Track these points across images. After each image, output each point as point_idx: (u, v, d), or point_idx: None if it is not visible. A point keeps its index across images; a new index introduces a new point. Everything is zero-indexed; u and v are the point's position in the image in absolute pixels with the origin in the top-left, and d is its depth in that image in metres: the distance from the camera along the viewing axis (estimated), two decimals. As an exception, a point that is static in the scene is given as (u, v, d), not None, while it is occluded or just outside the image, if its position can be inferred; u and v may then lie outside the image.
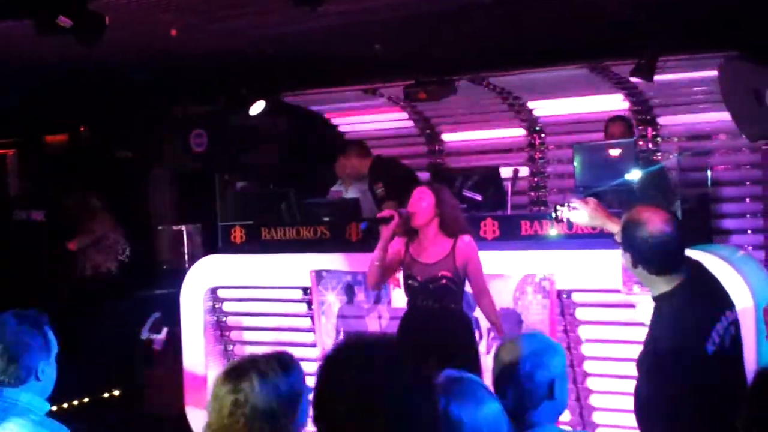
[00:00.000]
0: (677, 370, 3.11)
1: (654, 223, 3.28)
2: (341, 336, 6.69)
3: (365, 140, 8.14)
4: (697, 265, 3.39)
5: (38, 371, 3.17)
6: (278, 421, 2.58)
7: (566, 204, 3.93)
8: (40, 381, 3.18)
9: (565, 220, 3.95)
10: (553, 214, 3.96)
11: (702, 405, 3.08)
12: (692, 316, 3.20)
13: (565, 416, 5.99)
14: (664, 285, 3.28)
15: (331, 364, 1.96)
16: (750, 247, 7.31)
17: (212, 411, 2.61)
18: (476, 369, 5.33)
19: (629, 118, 7.59)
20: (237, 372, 2.63)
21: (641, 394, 3.30)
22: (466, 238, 5.44)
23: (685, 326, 3.18)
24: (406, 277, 5.50)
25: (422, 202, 5.39)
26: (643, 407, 3.28)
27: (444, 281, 5.37)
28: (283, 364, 2.67)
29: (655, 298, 3.33)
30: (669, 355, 3.13)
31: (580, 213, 3.88)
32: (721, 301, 3.32)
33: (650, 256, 3.27)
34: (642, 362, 3.31)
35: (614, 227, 3.57)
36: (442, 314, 5.36)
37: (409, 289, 5.49)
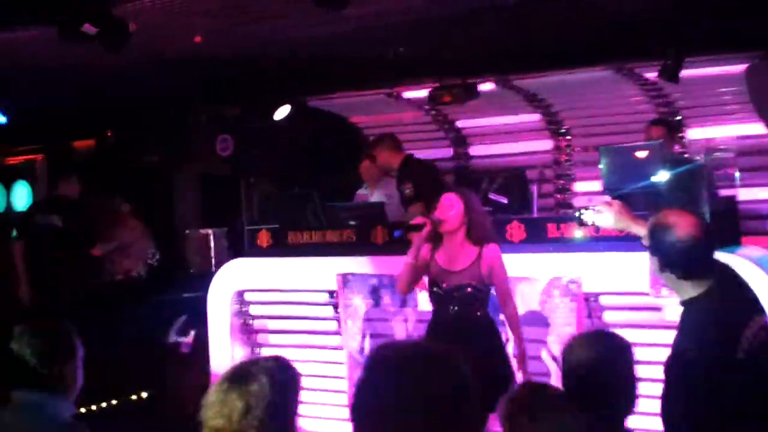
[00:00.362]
0: (707, 377, 3.05)
1: (682, 227, 3.24)
2: (367, 339, 6.69)
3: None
4: (726, 269, 3.34)
5: (64, 375, 3.20)
6: (286, 420, 2.59)
7: (591, 207, 3.90)
8: (66, 384, 3.21)
9: (589, 223, 3.92)
10: (578, 217, 3.93)
11: (731, 411, 3.04)
12: (722, 321, 3.15)
13: (593, 419, 5.96)
14: (692, 289, 3.24)
15: (371, 368, 1.97)
16: (779, 249, 7.24)
17: (220, 416, 2.58)
18: (506, 373, 5.34)
19: (672, 121, 7.54)
20: (242, 375, 2.62)
21: (669, 400, 3.25)
22: (492, 247, 5.40)
23: (714, 331, 3.13)
24: (431, 284, 5.48)
25: (451, 209, 5.38)
26: (671, 414, 3.23)
27: (469, 289, 5.35)
28: (281, 363, 2.68)
29: (683, 303, 3.29)
30: (698, 361, 3.07)
31: (605, 216, 3.84)
32: (751, 305, 3.27)
33: (678, 261, 3.23)
34: (670, 368, 3.27)
35: (640, 230, 3.53)
36: (466, 321, 5.34)
37: (433, 296, 5.47)
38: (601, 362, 3.16)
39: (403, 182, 7.38)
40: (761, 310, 3.26)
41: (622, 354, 3.26)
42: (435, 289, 5.44)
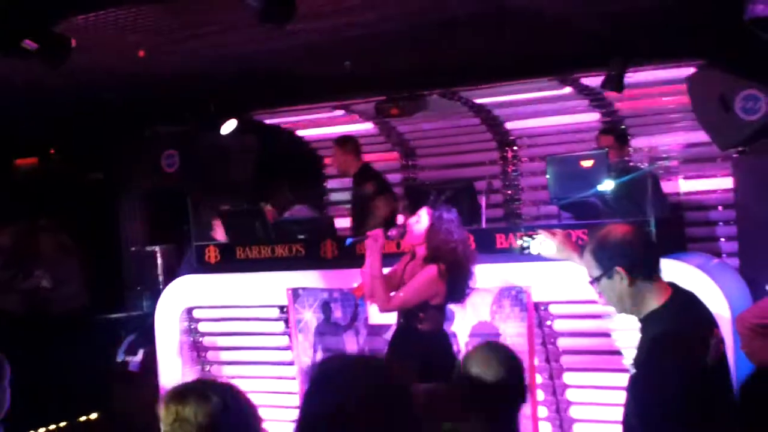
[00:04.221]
0: (683, 386, 2.98)
1: (624, 227, 3.29)
2: (319, 353, 6.66)
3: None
4: (675, 285, 3.29)
5: None
6: None
7: (535, 236, 3.90)
8: None
9: (533, 252, 3.92)
10: (521, 246, 3.94)
11: (704, 420, 3.01)
12: (688, 330, 3.13)
13: (546, 428, 5.99)
14: (654, 300, 3.18)
15: (313, 383, 1.98)
16: (724, 255, 7.36)
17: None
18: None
19: (620, 130, 7.62)
20: (198, 394, 2.60)
21: (636, 417, 3.14)
22: (430, 266, 5.32)
23: (685, 340, 3.08)
24: None
25: (417, 224, 5.40)
26: (641, 428, 3.16)
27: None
28: (236, 390, 2.66)
29: (644, 319, 3.21)
30: (673, 372, 2.99)
31: (548, 245, 3.86)
32: (708, 317, 3.24)
33: (643, 255, 3.21)
34: (635, 384, 3.17)
35: (580, 260, 3.49)
36: (415, 334, 5.36)
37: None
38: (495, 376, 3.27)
39: (363, 183, 7.67)
40: (716, 323, 3.24)
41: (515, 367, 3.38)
42: None
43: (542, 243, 3.88)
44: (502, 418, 3.31)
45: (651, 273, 3.21)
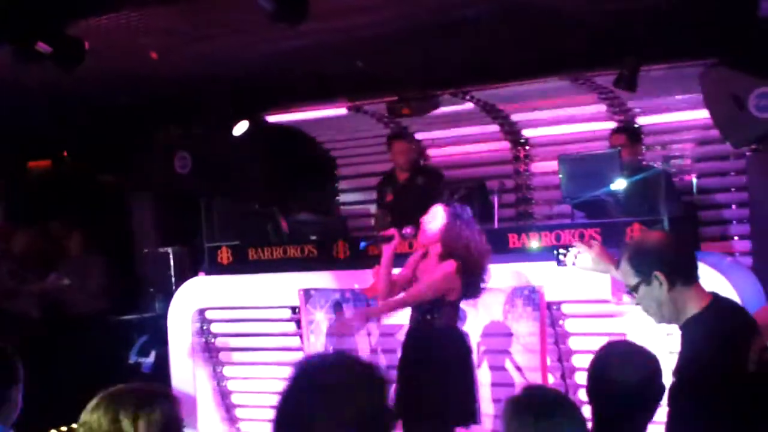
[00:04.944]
0: (728, 392, 2.91)
1: (659, 233, 3.30)
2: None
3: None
4: (715, 294, 3.22)
5: (6, 400, 3.22)
6: None
7: (571, 247, 3.85)
8: (9, 410, 3.24)
9: (569, 264, 3.87)
10: (557, 257, 3.89)
11: (747, 428, 2.93)
12: (728, 334, 3.05)
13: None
14: (694, 305, 3.11)
15: (293, 379, 2.00)
16: (737, 254, 7.32)
17: None
18: (471, 382, 5.37)
19: (633, 128, 7.59)
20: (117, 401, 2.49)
21: (680, 424, 3.05)
22: (448, 262, 5.36)
23: (728, 344, 3.00)
24: None
25: (432, 222, 5.40)
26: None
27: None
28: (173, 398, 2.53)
29: (685, 325, 3.14)
30: (717, 378, 2.92)
31: (584, 257, 3.78)
32: (751, 323, 3.15)
33: (681, 259, 3.15)
34: (680, 391, 3.05)
35: (619, 273, 3.37)
36: (430, 330, 5.37)
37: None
38: (628, 374, 2.97)
39: (429, 176, 7.62)
40: (758, 329, 3.12)
41: (653, 368, 3.05)
42: None
43: (578, 255, 3.81)
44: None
45: (689, 277, 3.15)
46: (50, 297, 8.54)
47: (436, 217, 5.38)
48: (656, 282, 3.11)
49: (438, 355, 5.25)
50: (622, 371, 2.95)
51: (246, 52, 7.10)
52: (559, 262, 3.89)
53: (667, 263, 3.12)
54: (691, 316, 3.12)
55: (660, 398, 3.01)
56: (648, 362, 3.00)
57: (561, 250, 3.89)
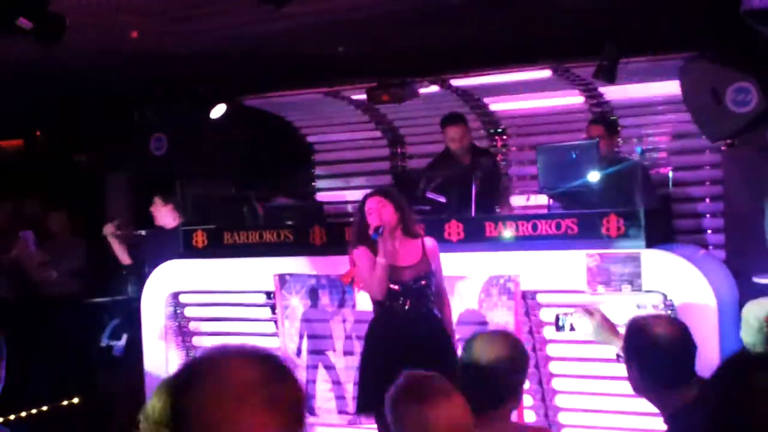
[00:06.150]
0: None
1: (661, 328, 3.06)
2: (305, 340, 6.64)
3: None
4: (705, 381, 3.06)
5: None
6: None
7: (572, 314, 3.74)
8: None
9: (567, 329, 3.81)
10: (557, 323, 3.84)
11: None
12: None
13: (531, 417, 5.99)
14: (680, 400, 3.01)
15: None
16: (711, 247, 7.38)
17: None
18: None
19: (610, 120, 7.61)
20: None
21: None
22: (430, 239, 5.58)
23: None
24: None
25: (384, 209, 5.41)
26: None
27: (423, 282, 5.46)
28: None
29: (671, 417, 3.04)
30: None
31: (585, 324, 3.65)
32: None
33: (658, 366, 3.02)
34: None
35: (620, 343, 3.33)
36: (420, 314, 5.42)
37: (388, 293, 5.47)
38: (500, 362, 3.15)
39: (486, 158, 7.25)
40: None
41: (522, 356, 3.28)
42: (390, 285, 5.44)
43: (578, 321, 3.69)
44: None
45: (668, 384, 3.06)
46: (21, 270, 8.47)
47: (382, 204, 5.43)
48: (631, 369, 3.11)
49: (436, 337, 5.35)
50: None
51: (225, 34, 7.05)
52: (558, 328, 3.83)
53: (643, 361, 3.06)
54: (677, 408, 3.02)
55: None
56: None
57: (561, 317, 3.82)
